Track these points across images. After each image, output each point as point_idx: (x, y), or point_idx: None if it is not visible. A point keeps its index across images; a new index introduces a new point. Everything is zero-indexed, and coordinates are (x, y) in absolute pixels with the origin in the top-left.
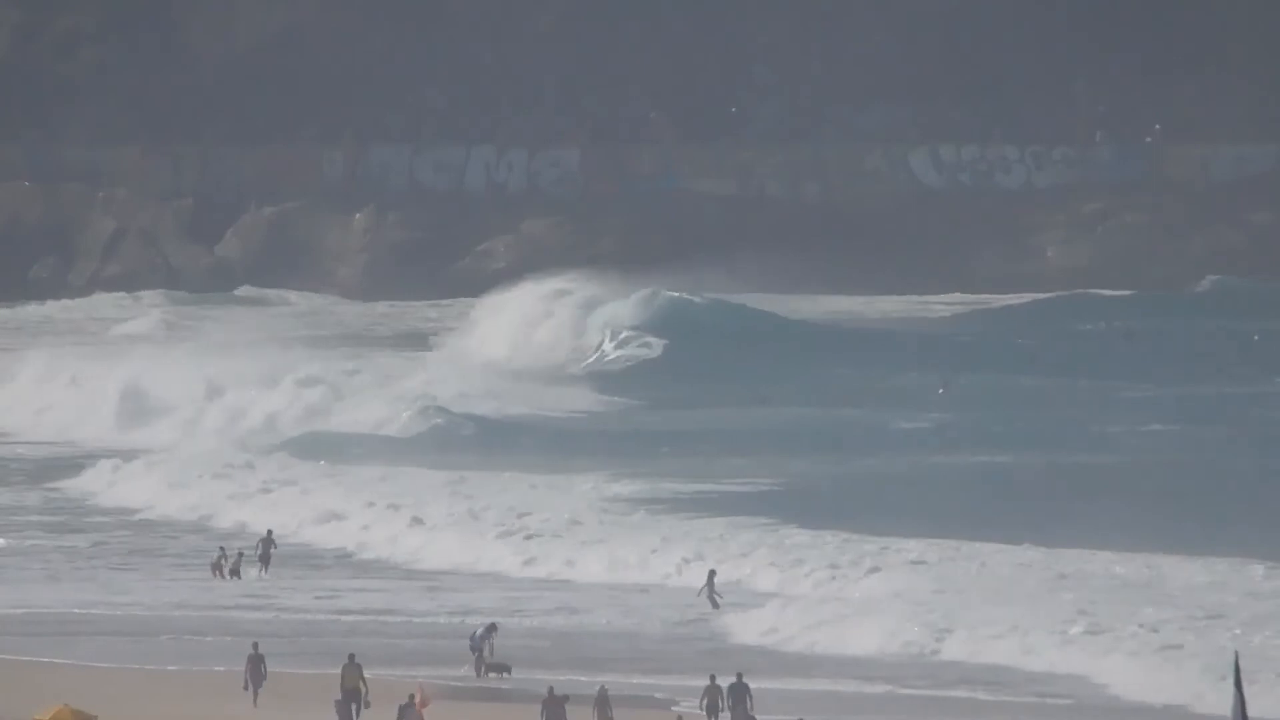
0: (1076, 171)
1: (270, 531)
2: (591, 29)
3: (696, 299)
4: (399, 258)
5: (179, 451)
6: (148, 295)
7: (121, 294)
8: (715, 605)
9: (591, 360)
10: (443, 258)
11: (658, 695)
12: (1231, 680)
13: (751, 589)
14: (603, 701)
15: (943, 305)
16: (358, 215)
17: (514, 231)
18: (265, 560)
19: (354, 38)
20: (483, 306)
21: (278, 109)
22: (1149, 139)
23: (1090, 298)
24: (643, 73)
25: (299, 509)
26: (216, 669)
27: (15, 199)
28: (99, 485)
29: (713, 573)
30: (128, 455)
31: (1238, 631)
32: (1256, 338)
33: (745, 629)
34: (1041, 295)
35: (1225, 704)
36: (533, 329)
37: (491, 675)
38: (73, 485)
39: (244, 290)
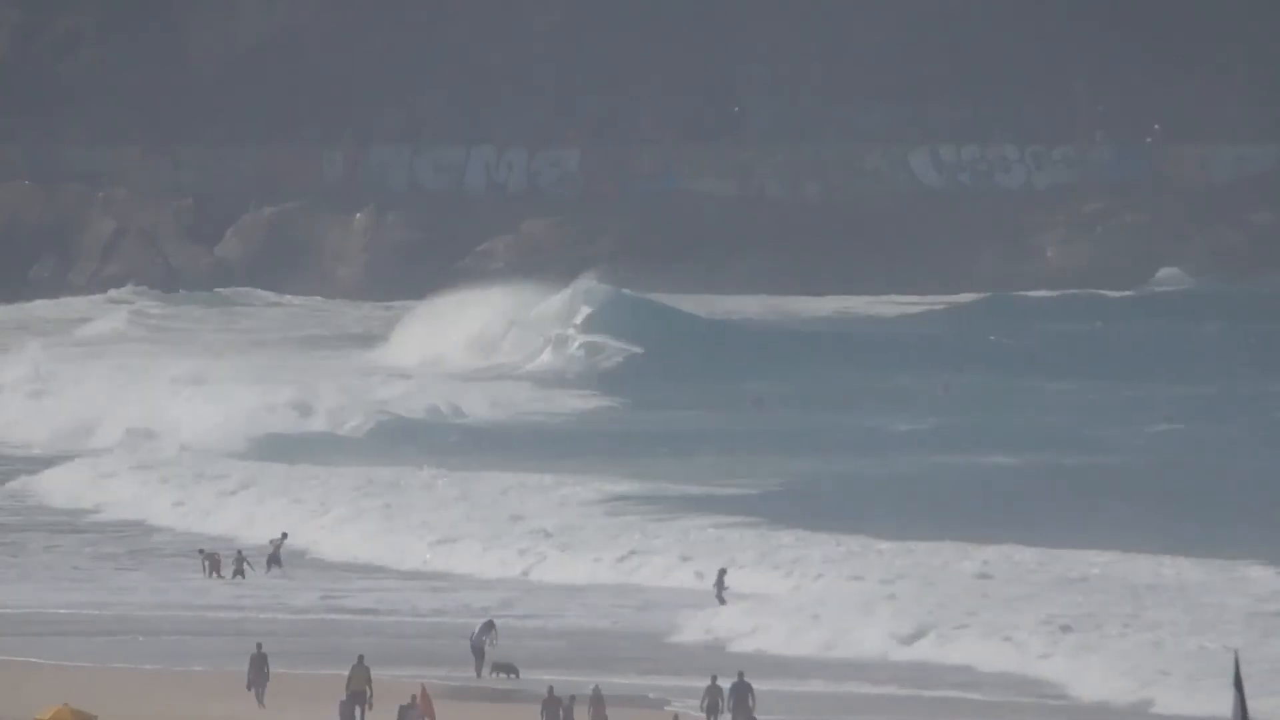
0: (1076, 171)
1: (284, 534)
2: (591, 29)
3: (627, 293)
4: (399, 258)
5: (131, 453)
6: (118, 294)
7: (94, 295)
8: (722, 602)
9: (541, 360)
10: (443, 258)
11: (650, 695)
12: (1232, 681)
13: (736, 590)
14: (597, 701)
15: (943, 305)
16: (358, 215)
17: (514, 231)
18: (277, 561)
19: (354, 38)
20: (410, 314)
21: (278, 109)
22: (1149, 139)
23: (1090, 298)
24: (643, 73)
25: (278, 511)
26: (217, 669)
27: (15, 199)
28: (50, 486)
29: (723, 571)
30: (86, 456)
31: (1215, 634)
32: (1245, 340)
33: (723, 630)
34: (1042, 295)
35: (1182, 704)
36: (469, 333)
37: (500, 675)
38: (20, 486)
39: (227, 290)
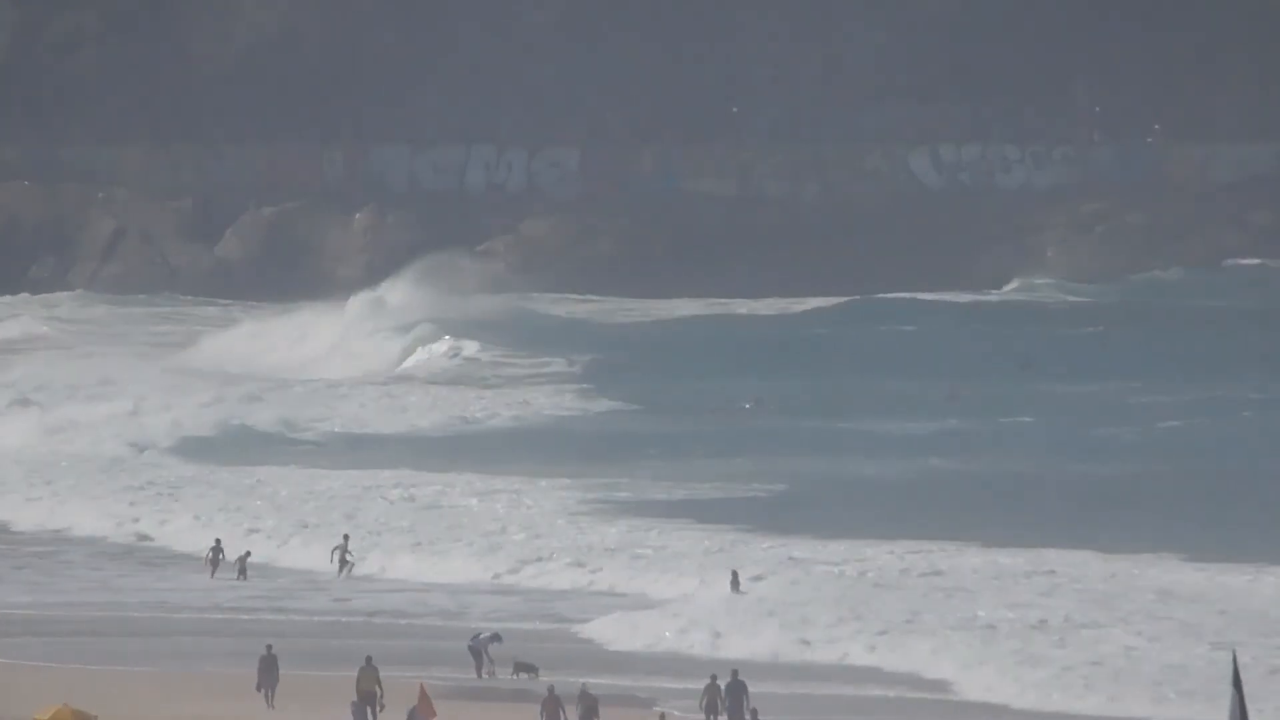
0: (1076, 171)
1: (346, 536)
2: (591, 29)
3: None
4: (399, 258)
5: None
6: (50, 296)
7: (17, 295)
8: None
9: (409, 365)
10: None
11: (640, 695)
12: (1231, 681)
13: (719, 592)
14: (586, 700)
15: (942, 305)
16: (358, 215)
17: (514, 232)
18: (343, 563)
19: (354, 37)
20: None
21: (278, 109)
22: (1149, 139)
23: (1089, 299)
24: (643, 73)
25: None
26: (219, 670)
27: (15, 199)
28: None
29: (735, 573)
30: None
31: (1199, 639)
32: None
33: (708, 630)
34: (1041, 296)
35: (1152, 710)
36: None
37: (521, 675)
38: None
39: (189, 295)
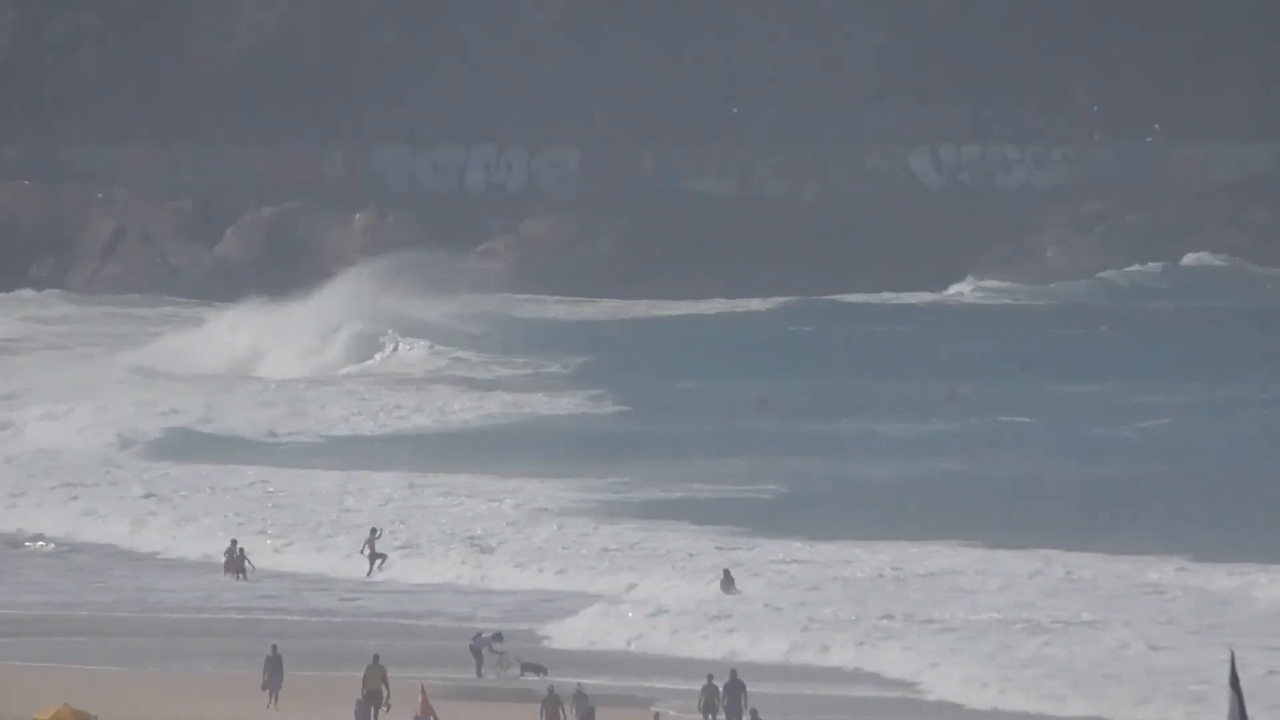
0: (1076, 171)
1: (373, 530)
2: (591, 29)
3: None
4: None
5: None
6: (36, 295)
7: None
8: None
9: (373, 363)
10: (443, 258)
11: (637, 695)
12: (1229, 682)
13: (701, 595)
14: (581, 700)
15: (943, 304)
16: (358, 215)
17: (514, 232)
18: (373, 558)
19: (354, 37)
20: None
21: (278, 109)
22: (1149, 139)
23: (1089, 300)
24: (643, 73)
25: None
26: (216, 670)
27: (15, 199)
28: None
29: (727, 571)
30: None
31: (1188, 642)
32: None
33: (700, 631)
34: (1040, 298)
35: (1132, 716)
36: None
37: (530, 675)
38: None
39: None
